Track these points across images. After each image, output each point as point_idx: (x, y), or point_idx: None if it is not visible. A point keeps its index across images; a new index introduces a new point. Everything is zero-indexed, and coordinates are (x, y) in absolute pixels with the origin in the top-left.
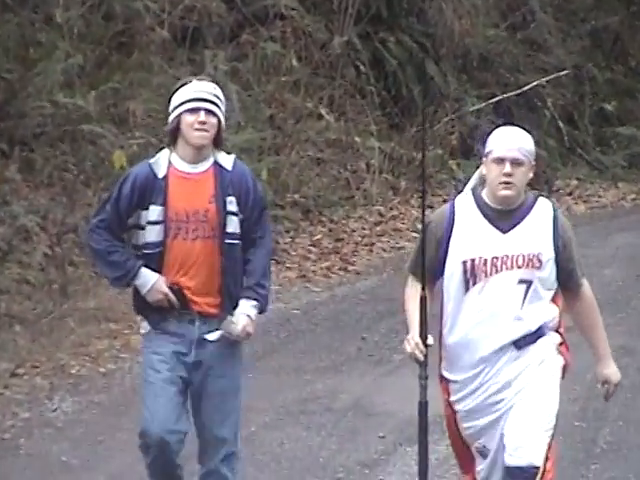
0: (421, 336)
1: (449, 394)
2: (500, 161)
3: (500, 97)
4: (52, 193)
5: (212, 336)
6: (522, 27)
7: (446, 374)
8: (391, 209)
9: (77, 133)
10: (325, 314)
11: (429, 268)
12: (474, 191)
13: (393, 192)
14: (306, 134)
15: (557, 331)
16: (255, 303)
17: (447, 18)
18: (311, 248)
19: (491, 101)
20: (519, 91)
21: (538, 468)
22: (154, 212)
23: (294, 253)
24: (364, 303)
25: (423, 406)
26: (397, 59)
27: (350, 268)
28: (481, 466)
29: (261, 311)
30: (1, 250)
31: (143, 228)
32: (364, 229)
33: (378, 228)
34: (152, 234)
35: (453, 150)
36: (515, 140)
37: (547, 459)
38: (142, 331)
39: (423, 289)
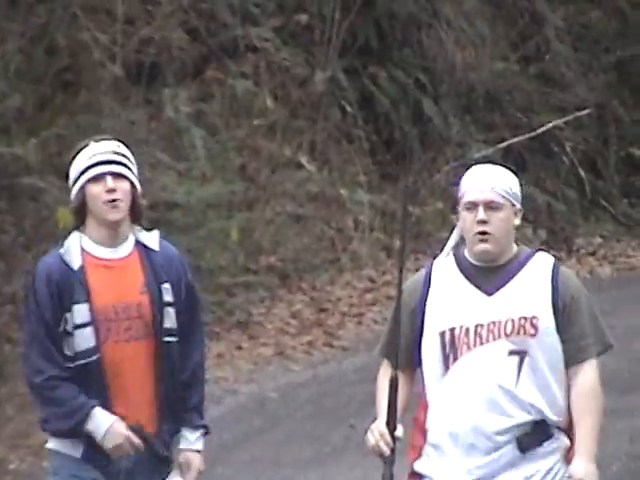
0: (388, 425)
1: None
2: (472, 206)
3: (510, 141)
4: None
5: None
6: (535, 59)
7: (421, 469)
8: (384, 273)
9: (15, 187)
10: (307, 397)
11: (405, 349)
12: (455, 249)
13: (386, 253)
14: (283, 186)
15: (567, 431)
16: (202, 432)
17: (448, 49)
18: (290, 320)
19: (500, 146)
20: (533, 134)
21: None
22: (80, 312)
23: (270, 326)
24: (352, 384)
25: None
26: (389, 97)
27: (335, 343)
28: None
29: (206, 434)
30: None
31: (71, 334)
32: (352, 297)
33: (368, 296)
34: (84, 340)
35: (456, 202)
36: (489, 179)
37: None
38: (62, 449)
39: (395, 368)
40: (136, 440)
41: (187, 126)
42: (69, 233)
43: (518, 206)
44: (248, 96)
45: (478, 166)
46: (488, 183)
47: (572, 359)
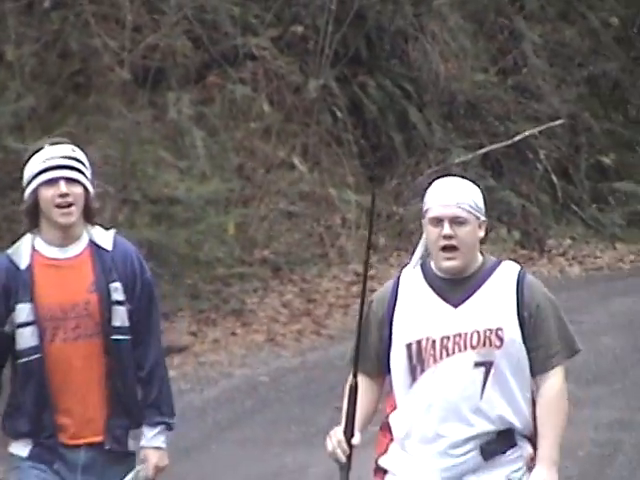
0: (345, 433)
1: None
2: (437, 221)
3: (489, 148)
4: (1, 247)
5: None
6: (513, 72)
7: (385, 464)
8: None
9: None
10: (295, 382)
11: (375, 357)
12: (423, 260)
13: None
14: (277, 185)
15: (531, 439)
16: (160, 428)
17: (432, 61)
18: (281, 309)
19: (479, 152)
20: (509, 142)
21: None
22: (22, 312)
23: (262, 314)
24: (338, 370)
25: None
26: (377, 105)
27: (323, 332)
28: None
29: (170, 429)
30: None
31: (15, 333)
32: (339, 289)
33: (354, 288)
34: (24, 339)
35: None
36: (454, 194)
37: None
38: (14, 451)
39: (355, 376)
40: None
41: (189, 127)
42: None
43: (482, 218)
44: (246, 101)
45: (442, 180)
46: (453, 198)
47: (539, 368)
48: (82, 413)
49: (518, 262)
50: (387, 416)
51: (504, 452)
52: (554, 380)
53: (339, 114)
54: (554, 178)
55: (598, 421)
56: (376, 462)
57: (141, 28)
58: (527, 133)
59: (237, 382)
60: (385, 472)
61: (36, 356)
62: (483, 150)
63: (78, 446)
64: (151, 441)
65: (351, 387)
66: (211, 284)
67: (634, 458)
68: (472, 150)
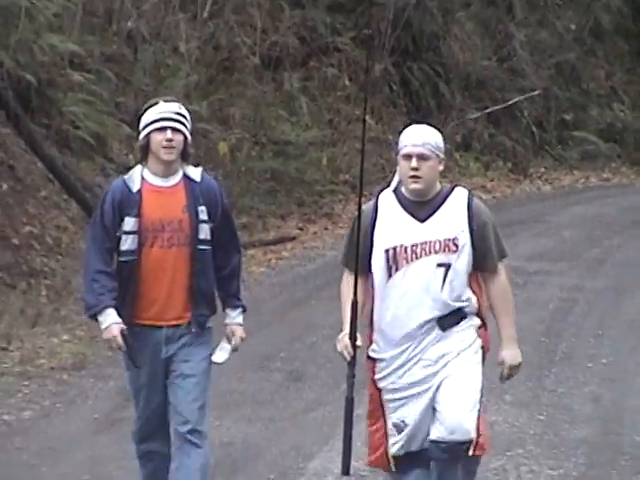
0: (351, 338)
1: (374, 372)
2: (408, 157)
3: (491, 109)
4: None
5: (219, 358)
6: (507, 59)
7: (373, 354)
8: None
9: (193, 129)
10: None
11: (361, 259)
12: (396, 186)
13: None
14: (354, 133)
15: (478, 314)
16: (240, 310)
17: (455, 52)
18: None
19: (485, 111)
20: (504, 105)
21: (471, 441)
22: (128, 223)
23: (344, 216)
24: None
25: (349, 402)
26: (419, 81)
27: None
28: (394, 440)
29: (245, 311)
30: None
31: (120, 238)
32: None
33: None
34: (127, 243)
35: (457, 145)
36: (420, 137)
37: (479, 432)
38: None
39: (355, 294)
40: (119, 341)
41: (297, 95)
42: (225, 157)
43: (442, 156)
44: (334, 78)
45: (413, 126)
46: (420, 140)
47: (486, 266)
48: (167, 303)
49: (467, 187)
50: (369, 314)
51: (458, 323)
52: (501, 277)
53: (394, 87)
54: (534, 128)
55: (562, 285)
56: (367, 352)
57: (267, 31)
58: (516, 99)
59: (328, 259)
60: (374, 360)
61: (133, 257)
62: (487, 110)
63: (160, 327)
64: (235, 319)
65: (353, 302)
66: (311, 196)
67: (585, 309)
68: (480, 110)
